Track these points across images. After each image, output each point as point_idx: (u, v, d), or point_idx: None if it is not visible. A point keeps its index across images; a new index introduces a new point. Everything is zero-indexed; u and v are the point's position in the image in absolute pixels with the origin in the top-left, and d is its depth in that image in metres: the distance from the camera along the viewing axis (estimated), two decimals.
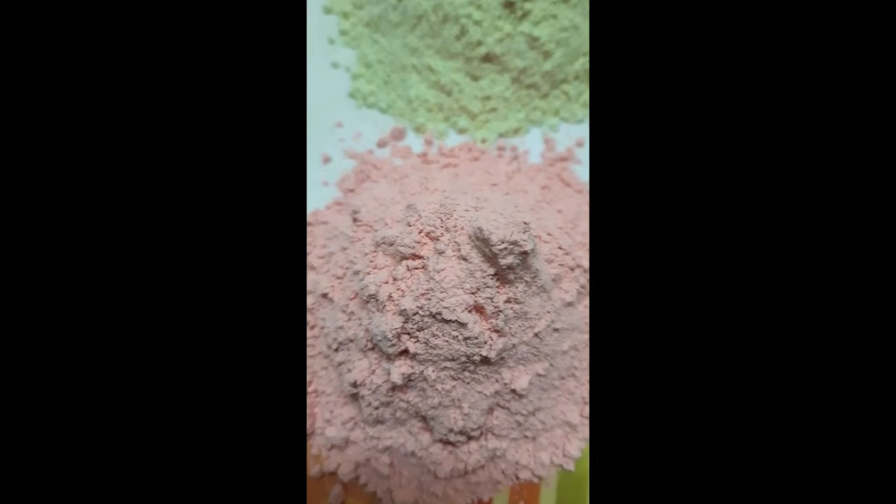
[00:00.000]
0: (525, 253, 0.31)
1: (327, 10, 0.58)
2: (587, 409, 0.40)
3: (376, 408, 0.37)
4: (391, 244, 0.35)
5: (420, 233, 0.34)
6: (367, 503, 0.40)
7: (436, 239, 0.34)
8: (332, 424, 0.40)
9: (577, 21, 0.49)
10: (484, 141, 0.51)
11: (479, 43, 0.48)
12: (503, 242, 0.30)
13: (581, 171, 0.50)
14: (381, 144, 0.52)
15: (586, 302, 0.40)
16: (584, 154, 0.51)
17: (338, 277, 0.40)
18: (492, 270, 0.32)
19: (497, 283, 0.33)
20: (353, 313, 0.38)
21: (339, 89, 0.55)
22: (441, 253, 0.33)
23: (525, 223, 0.31)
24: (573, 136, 0.52)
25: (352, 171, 0.50)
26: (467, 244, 0.32)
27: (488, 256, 0.31)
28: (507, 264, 0.31)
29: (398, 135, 0.52)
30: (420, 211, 0.35)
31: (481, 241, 0.31)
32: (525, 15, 0.48)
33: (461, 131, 0.52)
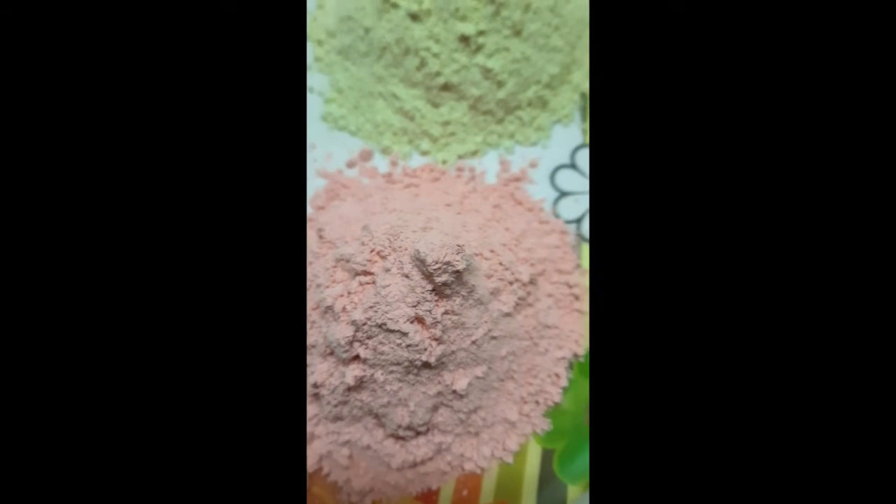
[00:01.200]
0: (458, 272, 0.36)
1: None
2: (525, 407, 0.45)
3: (335, 406, 0.42)
4: (348, 261, 0.40)
5: (372, 252, 0.39)
6: (330, 491, 0.44)
7: (384, 258, 0.38)
8: None
9: (528, 53, 0.54)
10: (444, 162, 0.56)
11: (438, 73, 0.53)
12: (437, 263, 0.35)
13: (533, 190, 0.55)
14: (351, 165, 0.56)
15: (526, 312, 0.45)
16: (536, 174, 0.56)
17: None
18: (430, 286, 0.37)
19: (435, 298, 0.37)
20: (314, 322, 0.42)
21: (312, 112, 0.59)
22: (388, 270, 0.37)
23: (459, 246, 0.36)
24: (527, 157, 0.57)
25: (323, 189, 0.55)
26: (409, 263, 0.37)
27: (426, 274, 0.36)
28: (442, 282, 0.36)
29: (366, 156, 0.57)
30: (373, 232, 0.39)
31: (419, 262, 0.35)
32: (479, 48, 0.52)
33: (424, 153, 0.56)
